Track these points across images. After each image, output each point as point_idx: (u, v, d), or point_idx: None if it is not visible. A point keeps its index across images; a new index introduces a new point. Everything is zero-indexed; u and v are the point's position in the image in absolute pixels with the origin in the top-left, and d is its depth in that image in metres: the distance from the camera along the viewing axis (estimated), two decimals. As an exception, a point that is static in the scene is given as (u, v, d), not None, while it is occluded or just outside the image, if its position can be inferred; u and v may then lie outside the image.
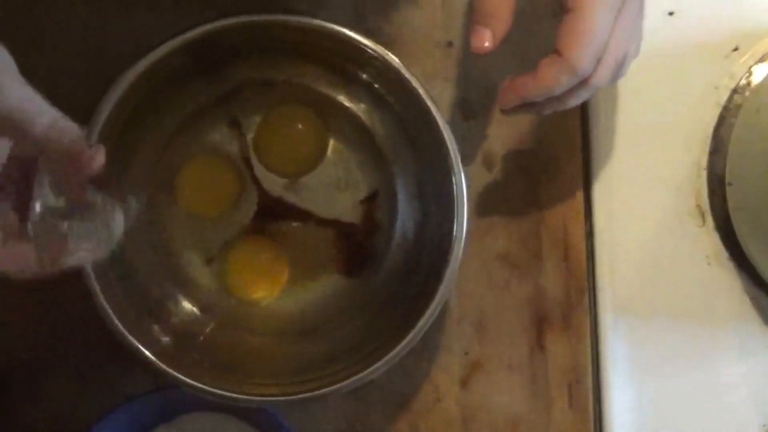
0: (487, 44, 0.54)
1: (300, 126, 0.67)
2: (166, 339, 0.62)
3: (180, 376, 0.60)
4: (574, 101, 0.56)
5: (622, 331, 0.68)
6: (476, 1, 0.54)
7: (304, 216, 0.67)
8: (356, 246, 0.67)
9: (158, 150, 0.65)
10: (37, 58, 0.65)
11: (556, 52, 0.53)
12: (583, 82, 0.54)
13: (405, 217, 0.67)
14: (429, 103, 0.61)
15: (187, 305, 0.66)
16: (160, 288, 0.65)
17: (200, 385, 0.60)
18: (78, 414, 0.66)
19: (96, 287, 0.59)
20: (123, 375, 0.66)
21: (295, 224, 0.67)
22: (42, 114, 0.49)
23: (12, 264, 0.49)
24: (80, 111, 0.60)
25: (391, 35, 0.67)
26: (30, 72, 0.65)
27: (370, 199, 0.67)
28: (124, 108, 0.60)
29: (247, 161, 0.67)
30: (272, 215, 0.67)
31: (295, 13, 0.61)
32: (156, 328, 0.62)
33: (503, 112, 0.58)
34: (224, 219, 0.67)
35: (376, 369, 0.60)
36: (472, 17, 0.55)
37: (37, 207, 0.49)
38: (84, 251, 0.51)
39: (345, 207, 0.67)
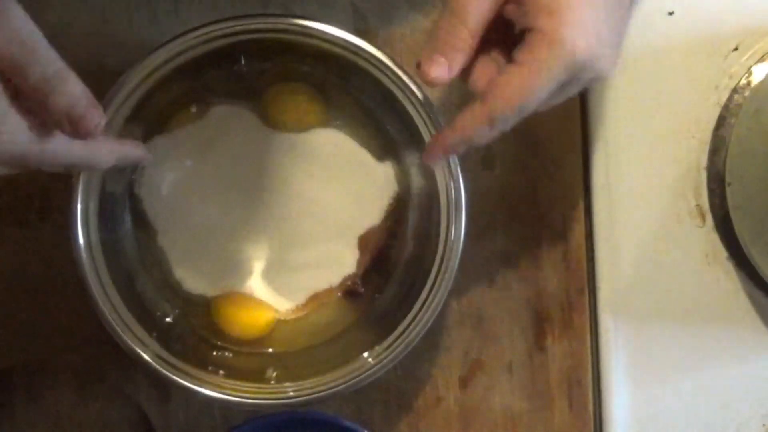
0: (441, 75, 0.50)
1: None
2: (160, 342, 0.62)
3: (177, 378, 0.60)
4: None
5: (622, 331, 0.68)
6: (436, 29, 0.51)
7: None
8: None
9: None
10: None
11: (482, 99, 0.50)
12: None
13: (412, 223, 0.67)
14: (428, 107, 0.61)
15: (178, 311, 0.66)
16: (157, 292, 0.65)
17: (197, 388, 0.60)
18: (77, 414, 0.66)
19: (93, 291, 0.59)
20: (123, 375, 0.66)
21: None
22: (43, 60, 0.45)
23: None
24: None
25: (391, 35, 0.67)
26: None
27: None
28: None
29: None
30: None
31: (296, 14, 0.60)
32: (153, 331, 0.62)
33: (427, 161, 0.58)
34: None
35: (377, 369, 0.61)
36: (429, 45, 0.51)
37: None
38: None
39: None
